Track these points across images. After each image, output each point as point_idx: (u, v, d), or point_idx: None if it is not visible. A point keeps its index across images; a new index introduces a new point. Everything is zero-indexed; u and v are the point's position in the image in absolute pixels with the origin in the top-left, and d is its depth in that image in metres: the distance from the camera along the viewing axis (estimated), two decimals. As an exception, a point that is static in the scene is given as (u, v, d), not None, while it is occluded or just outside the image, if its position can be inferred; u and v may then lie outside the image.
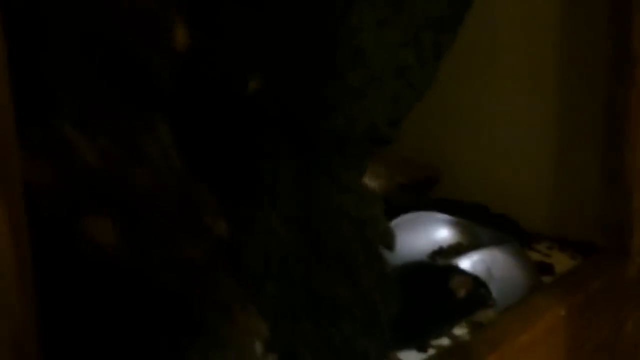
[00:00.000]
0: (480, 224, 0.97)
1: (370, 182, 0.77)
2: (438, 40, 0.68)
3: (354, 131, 0.64)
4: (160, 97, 0.39)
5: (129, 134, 0.35)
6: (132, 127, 0.35)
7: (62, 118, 0.35)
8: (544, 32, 1.04)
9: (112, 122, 0.35)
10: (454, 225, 0.97)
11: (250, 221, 0.62)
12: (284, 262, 0.62)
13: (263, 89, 0.57)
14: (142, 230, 0.36)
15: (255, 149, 0.60)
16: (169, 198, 0.36)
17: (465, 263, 0.81)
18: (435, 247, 0.95)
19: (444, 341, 0.76)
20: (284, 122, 0.60)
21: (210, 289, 0.54)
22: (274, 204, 0.62)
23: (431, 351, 0.75)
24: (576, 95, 1.01)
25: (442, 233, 0.96)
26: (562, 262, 0.97)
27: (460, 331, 0.76)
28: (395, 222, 0.96)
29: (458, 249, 0.95)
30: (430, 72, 0.70)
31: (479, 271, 0.80)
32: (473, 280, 0.71)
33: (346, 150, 0.66)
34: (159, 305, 0.41)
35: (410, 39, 0.65)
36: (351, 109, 0.63)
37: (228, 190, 0.61)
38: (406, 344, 0.75)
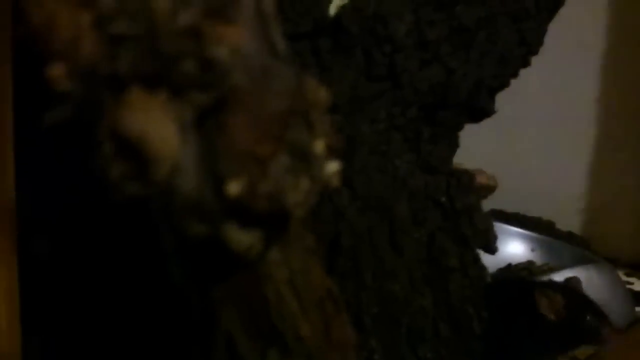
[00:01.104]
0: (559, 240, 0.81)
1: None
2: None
3: (454, 91, 0.49)
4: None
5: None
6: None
7: None
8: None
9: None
10: (526, 239, 0.80)
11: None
12: (354, 255, 0.46)
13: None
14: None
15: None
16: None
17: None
18: (502, 264, 0.79)
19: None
20: (367, 64, 0.44)
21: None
22: (346, 177, 0.46)
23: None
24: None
25: (511, 248, 0.80)
26: (650, 292, 0.81)
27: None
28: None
29: (530, 269, 0.78)
30: (542, 27, 0.55)
31: (573, 293, 0.63)
32: (567, 299, 0.55)
33: (440, 117, 0.50)
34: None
35: (532, -23, 0.50)
36: (455, 58, 0.48)
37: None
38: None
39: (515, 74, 0.55)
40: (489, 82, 0.51)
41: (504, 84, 0.54)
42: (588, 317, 0.57)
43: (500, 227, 0.83)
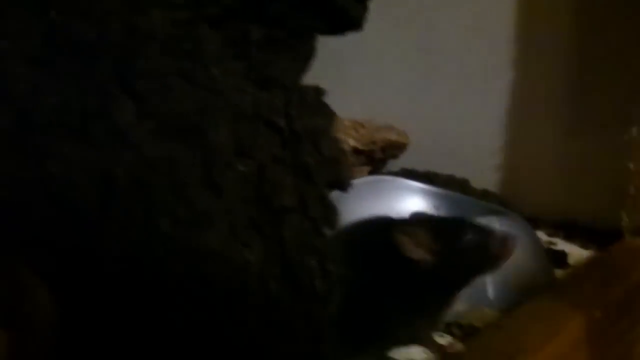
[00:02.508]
0: (464, 194, 0.70)
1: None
2: None
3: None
4: None
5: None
6: None
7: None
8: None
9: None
10: (428, 195, 0.69)
11: (84, 115, 0.33)
12: (143, 194, 0.34)
13: None
14: None
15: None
16: None
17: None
18: (402, 223, 0.68)
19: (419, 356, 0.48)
20: None
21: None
22: (127, 82, 0.33)
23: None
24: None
25: (411, 204, 0.69)
26: (572, 251, 0.71)
27: (445, 340, 0.49)
28: (347, 187, 0.68)
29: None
30: None
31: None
32: (426, 232, 0.43)
33: (274, 12, 0.38)
34: None
35: None
36: None
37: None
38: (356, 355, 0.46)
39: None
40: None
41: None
42: (468, 238, 0.45)
43: (401, 183, 0.72)
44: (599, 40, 0.77)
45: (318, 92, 0.40)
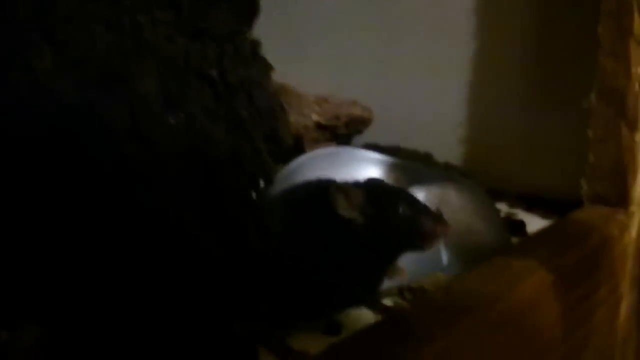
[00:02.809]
0: (423, 165, 0.70)
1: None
2: None
3: None
4: None
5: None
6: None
7: None
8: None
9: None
10: (387, 166, 0.68)
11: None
12: (69, 149, 0.32)
13: None
14: None
15: None
16: None
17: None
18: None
19: (366, 317, 0.47)
20: None
21: None
22: (45, 28, 0.32)
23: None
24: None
25: (369, 174, 0.68)
26: (532, 222, 0.71)
27: (395, 302, 0.48)
28: (305, 157, 0.67)
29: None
30: None
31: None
32: (362, 193, 0.42)
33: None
34: None
35: None
36: None
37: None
38: (297, 320, 0.44)
39: None
40: None
41: None
42: (400, 210, 0.44)
43: (358, 153, 0.71)
44: (558, 11, 0.76)
45: (254, 44, 0.38)
